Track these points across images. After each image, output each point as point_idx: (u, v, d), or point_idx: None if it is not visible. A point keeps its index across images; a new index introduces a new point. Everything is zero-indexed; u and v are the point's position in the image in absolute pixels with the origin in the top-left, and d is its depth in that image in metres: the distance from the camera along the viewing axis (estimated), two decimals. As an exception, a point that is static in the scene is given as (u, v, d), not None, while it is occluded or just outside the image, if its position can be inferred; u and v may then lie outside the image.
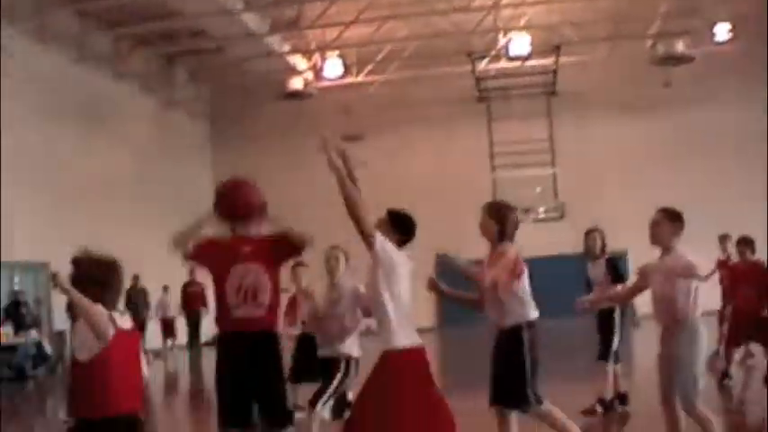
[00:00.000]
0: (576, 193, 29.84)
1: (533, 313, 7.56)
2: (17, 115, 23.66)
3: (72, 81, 26.54)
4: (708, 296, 7.93)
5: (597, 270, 11.32)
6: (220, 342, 7.42)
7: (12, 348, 22.38)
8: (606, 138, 33.31)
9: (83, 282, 5.37)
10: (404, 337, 6.27)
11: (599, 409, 10.97)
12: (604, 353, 11.04)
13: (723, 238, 16.78)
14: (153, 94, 32.07)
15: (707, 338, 7.46)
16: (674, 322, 7.34)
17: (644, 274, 7.75)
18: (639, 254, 26.85)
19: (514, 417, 7.52)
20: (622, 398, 11.34)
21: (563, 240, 24.74)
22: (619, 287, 10.78)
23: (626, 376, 11.61)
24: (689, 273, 7.31)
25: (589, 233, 11.63)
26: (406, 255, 6.52)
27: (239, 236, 7.46)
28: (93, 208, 26.42)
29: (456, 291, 7.97)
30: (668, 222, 7.51)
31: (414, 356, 6.32)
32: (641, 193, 31.55)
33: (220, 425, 7.30)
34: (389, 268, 6.31)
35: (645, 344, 22.22)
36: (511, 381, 7.44)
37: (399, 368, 6.24)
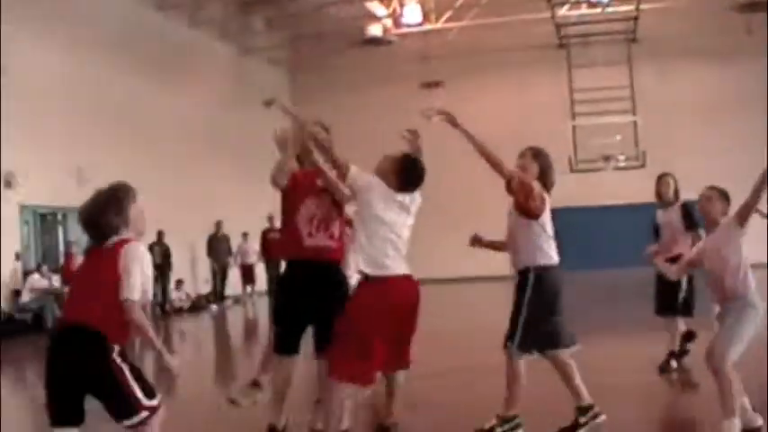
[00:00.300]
0: (657, 141, 29.53)
1: (546, 259, 7.61)
2: (97, 62, 23.99)
3: (150, 29, 26.80)
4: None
5: (669, 216, 10.84)
6: (289, 268, 7.58)
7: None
8: (687, 85, 32.89)
9: None
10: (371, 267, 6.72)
11: (674, 364, 10.60)
12: (668, 306, 10.69)
13: None
14: (230, 41, 32.25)
15: (763, 317, 7.18)
16: (727, 300, 7.20)
17: (701, 251, 7.63)
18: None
19: (522, 361, 7.53)
20: (673, 355, 10.72)
21: (643, 188, 24.58)
22: (692, 235, 10.40)
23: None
24: (731, 225, 7.22)
25: (661, 177, 11.14)
26: (408, 198, 6.88)
27: (310, 169, 7.51)
28: (172, 157, 26.75)
29: (495, 241, 8.12)
30: (720, 200, 7.39)
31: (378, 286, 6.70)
32: (722, 141, 31.24)
33: (275, 349, 7.57)
34: (361, 203, 6.78)
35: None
36: (512, 322, 7.53)
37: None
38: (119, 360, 5.39)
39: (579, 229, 26.79)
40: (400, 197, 6.73)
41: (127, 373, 5.40)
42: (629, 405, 8.73)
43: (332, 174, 7.08)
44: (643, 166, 28.58)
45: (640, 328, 13.54)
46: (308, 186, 7.46)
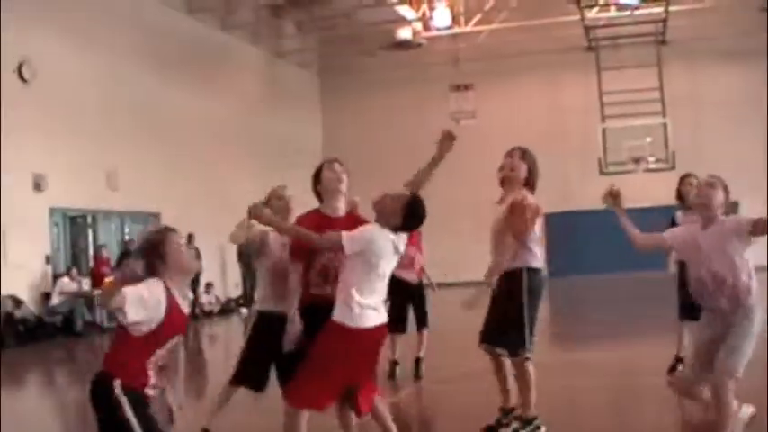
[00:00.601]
0: (687, 143, 29.43)
1: (537, 262, 7.56)
2: (129, 67, 24.11)
3: (181, 33, 26.92)
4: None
5: (690, 219, 10.39)
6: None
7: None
8: (716, 86, 32.71)
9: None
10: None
11: (680, 367, 9.91)
12: (681, 310, 10.18)
13: None
14: (261, 44, 32.35)
15: (763, 323, 6.62)
16: (727, 305, 6.51)
17: (683, 241, 6.89)
18: (751, 204, 26.36)
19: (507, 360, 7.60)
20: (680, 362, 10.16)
21: (673, 190, 24.43)
22: None
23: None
24: (742, 228, 6.51)
25: (684, 178, 10.76)
26: (402, 237, 6.53)
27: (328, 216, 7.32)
28: (203, 158, 26.85)
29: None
30: (723, 190, 6.65)
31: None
32: (753, 143, 31.05)
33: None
34: (361, 263, 6.38)
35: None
36: (508, 323, 7.49)
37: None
38: (122, 398, 5.25)
39: (609, 232, 26.73)
40: (394, 237, 6.47)
41: (127, 409, 5.22)
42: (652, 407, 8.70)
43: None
44: (673, 168, 28.45)
45: (666, 330, 13.49)
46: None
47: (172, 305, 5.27)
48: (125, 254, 23.78)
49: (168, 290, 5.28)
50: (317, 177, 7.26)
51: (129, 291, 5.06)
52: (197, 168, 26.34)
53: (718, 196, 6.61)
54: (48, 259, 21.75)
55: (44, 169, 21.02)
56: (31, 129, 20.35)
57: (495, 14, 31.57)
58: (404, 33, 31.70)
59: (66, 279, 21.41)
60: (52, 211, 21.94)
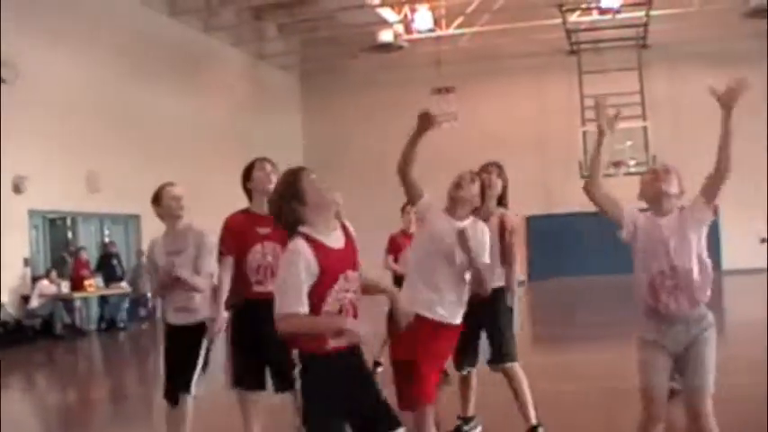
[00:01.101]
0: (667, 147, 29.48)
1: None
2: (110, 69, 24.03)
3: (163, 35, 26.85)
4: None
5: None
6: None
7: (103, 300, 22.80)
8: (697, 91, 32.48)
9: None
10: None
11: None
12: None
13: None
14: (243, 47, 32.29)
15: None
16: (688, 310, 5.76)
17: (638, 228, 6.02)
18: (731, 209, 26.50)
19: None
20: None
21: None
22: None
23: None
24: (697, 203, 5.88)
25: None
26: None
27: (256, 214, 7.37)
28: (184, 160, 26.75)
29: None
30: (680, 179, 6.06)
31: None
32: (733, 147, 31.14)
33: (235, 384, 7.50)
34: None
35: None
36: (501, 339, 7.66)
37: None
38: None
39: (591, 235, 26.73)
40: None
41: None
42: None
43: None
44: (654, 171, 28.51)
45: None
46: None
47: (319, 253, 4.84)
48: (105, 256, 23.72)
49: (309, 240, 4.86)
50: (247, 175, 7.33)
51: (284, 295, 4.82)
52: (178, 170, 26.13)
53: (674, 184, 5.98)
54: (26, 262, 21.63)
55: (24, 171, 20.89)
56: (11, 130, 20.21)
57: (476, 17, 31.56)
58: (385, 36, 31.66)
59: (45, 282, 21.29)
60: (31, 213, 21.82)
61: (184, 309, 7.37)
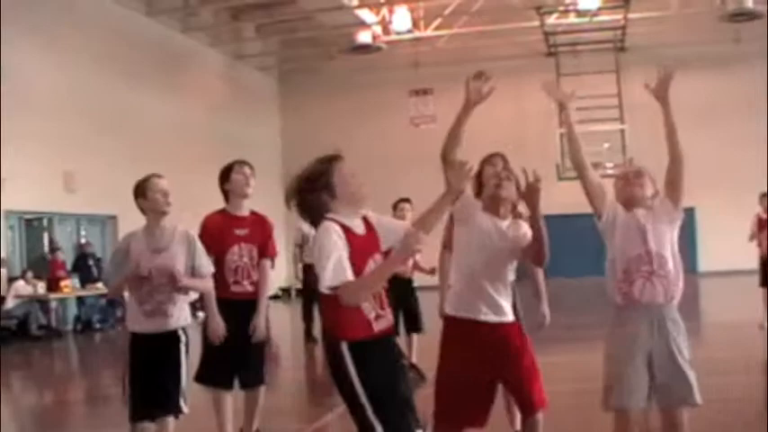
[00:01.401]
0: (645, 149, 29.52)
1: None
2: (87, 68, 23.93)
3: (141, 35, 26.73)
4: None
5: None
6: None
7: (79, 300, 22.68)
8: (675, 94, 32.66)
9: None
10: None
11: None
12: None
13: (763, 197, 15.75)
14: (221, 47, 32.22)
15: None
16: (663, 294, 5.71)
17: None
18: (707, 211, 26.50)
19: None
20: None
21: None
22: None
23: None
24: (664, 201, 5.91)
25: None
26: None
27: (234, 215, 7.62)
28: (162, 160, 26.60)
29: None
30: (652, 181, 6.09)
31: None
32: (710, 150, 31.26)
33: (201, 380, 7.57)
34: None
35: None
36: None
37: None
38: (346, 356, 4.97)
39: (569, 237, 26.82)
40: None
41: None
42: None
43: None
44: (631, 174, 28.62)
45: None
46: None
47: (348, 236, 4.87)
48: (81, 257, 23.61)
49: (336, 223, 4.88)
50: (225, 176, 7.41)
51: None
52: (155, 170, 25.94)
53: (647, 186, 6.01)
54: (2, 262, 21.51)
55: (-1, 171, 20.79)
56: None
57: (455, 19, 31.61)
58: (363, 37, 31.62)
59: (21, 282, 21.19)
60: (8, 213, 21.70)
61: (160, 313, 6.58)
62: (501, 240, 6.15)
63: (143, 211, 6.92)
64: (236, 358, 7.41)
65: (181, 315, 6.69)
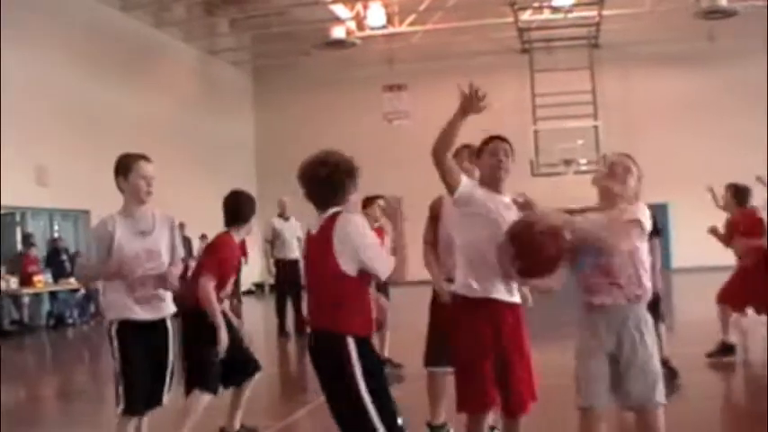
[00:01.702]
0: (618, 146, 29.52)
1: None
2: (60, 62, 23.81)
3: (114, 29, 26.60)
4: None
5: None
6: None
7: (52, 296, 22.54)
8: (648, 91, 32.99)
9: None
10: None
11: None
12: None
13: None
14: (195, 42, 32.14)
15: None
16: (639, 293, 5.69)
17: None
18: (680, 207, 26.56)
19: None
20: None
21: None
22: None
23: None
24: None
25: None
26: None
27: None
28: (135, 156, 26.55)
29: None
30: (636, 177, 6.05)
31: None
32: (683, 147, 31.41)
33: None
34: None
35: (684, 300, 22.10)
36: (440, 341, 7.29)
37: None
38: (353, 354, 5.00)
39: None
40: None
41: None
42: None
43: None
44: (604, 170, 28.70)
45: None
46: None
47: None
48: (54, 251, 23.48)
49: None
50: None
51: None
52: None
53: (632, 181, 6.04)
54: (-26, 258, 21.40)
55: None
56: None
57: (429, 15, 31.59)
58: (338, 32, 31.56)
59: (-8, 277, 21.07)
60: (-21, 208, 21.59)
61: (156, 298, 6.44)
62: (505, 209, 6.14)
63: (122, 191, 6.53)
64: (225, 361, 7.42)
65: (170, 302, 6.61)
